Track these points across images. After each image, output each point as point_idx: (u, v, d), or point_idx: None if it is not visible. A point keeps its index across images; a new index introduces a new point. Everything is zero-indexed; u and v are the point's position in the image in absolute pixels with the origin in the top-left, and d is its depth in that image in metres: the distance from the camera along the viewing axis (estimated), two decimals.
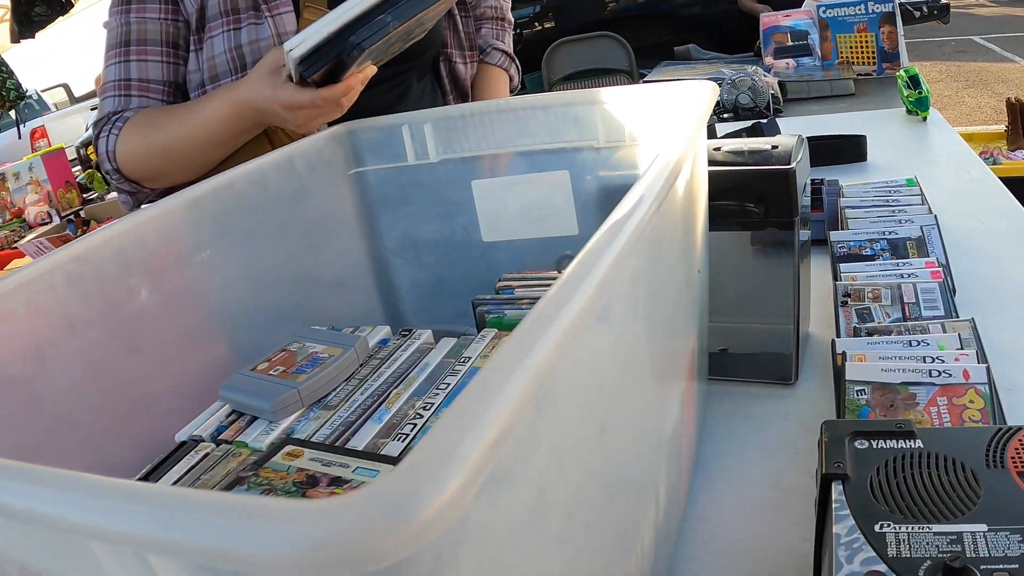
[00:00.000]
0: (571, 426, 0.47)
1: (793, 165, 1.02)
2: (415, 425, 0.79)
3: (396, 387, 0.86)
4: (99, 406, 0.85)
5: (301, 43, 1.13)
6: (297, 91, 1.20)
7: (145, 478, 0.82)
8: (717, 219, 1.03)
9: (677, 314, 0.83)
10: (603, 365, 0.53)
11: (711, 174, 1.00)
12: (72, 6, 6.54)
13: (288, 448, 0.73)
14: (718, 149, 1.07)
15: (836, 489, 0.70)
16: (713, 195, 1.01)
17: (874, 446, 0.73)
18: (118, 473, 0.83)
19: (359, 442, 0.78)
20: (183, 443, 0.86)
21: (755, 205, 1.04)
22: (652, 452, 0.73)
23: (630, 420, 0.64)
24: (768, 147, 1.05)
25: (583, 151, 1.09)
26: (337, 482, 0.67)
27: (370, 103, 1.32)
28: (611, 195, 1.09)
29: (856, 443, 0.74)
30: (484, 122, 1.13)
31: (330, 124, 1.22)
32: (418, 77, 1.66)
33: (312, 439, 0.80)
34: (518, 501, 0.39)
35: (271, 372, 0.89)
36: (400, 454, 0.75)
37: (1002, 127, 4.26)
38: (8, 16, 6.52)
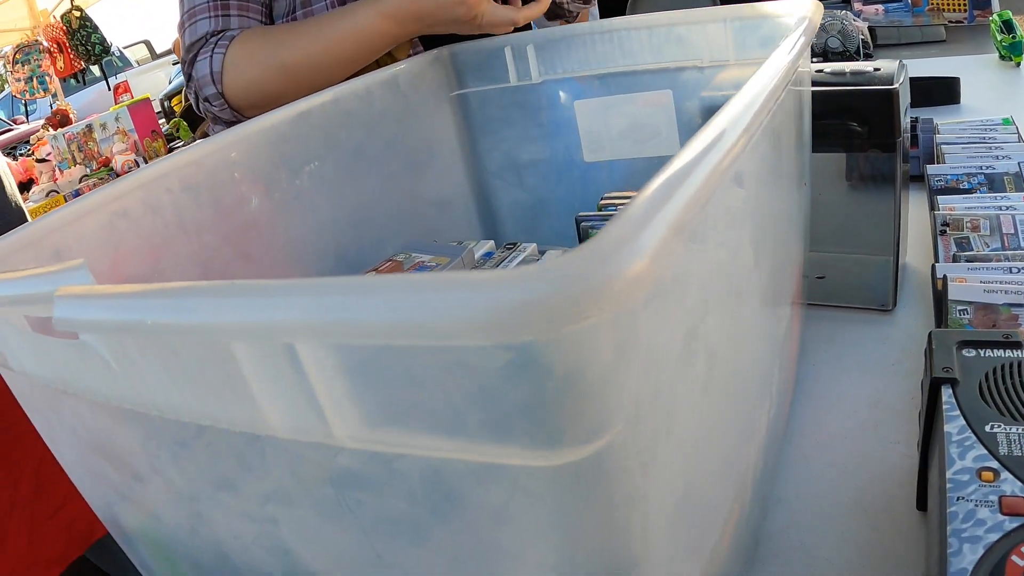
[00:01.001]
0: (714, 278, 0.48)
1: (896, 85, 1.01)
2: None
3: None
4: None
5: None
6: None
7: None
8: (819, 140, 1.03)
9: (790, 217, 0.83)
10: (738, 229, 0.54)
11: (814, 94, 1.00)
12: None
13: None
14: (820, 71, 1.07)
15: (945, 392, 0.70)
16: (815, 115, 1.00)
17: (982, 355, 0.74)
18: None
19: None
20: None
21: (857, 125, 1.04)
22: (770, 346, 0.74)
23: (756, 302, 0.65)
24: (870, 69, 1.05)
25: (686, 71, 1.09)
26: None
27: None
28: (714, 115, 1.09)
29: (964, 351, 0.74)
30: (586, 43, 1.13)
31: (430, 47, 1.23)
32: None
33: None
34: (674, 330, 0.40)
35: None
36: None
37: None
38: None
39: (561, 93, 1.16)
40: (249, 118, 1.35)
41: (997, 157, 1.36)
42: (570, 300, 0.28)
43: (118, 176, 4.30)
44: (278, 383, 0.36)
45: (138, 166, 4.31)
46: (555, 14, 1.66)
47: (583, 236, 1.00)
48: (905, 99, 1.07)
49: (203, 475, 0.50)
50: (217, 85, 1.33)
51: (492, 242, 1.00)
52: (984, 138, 1.48)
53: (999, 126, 1.54)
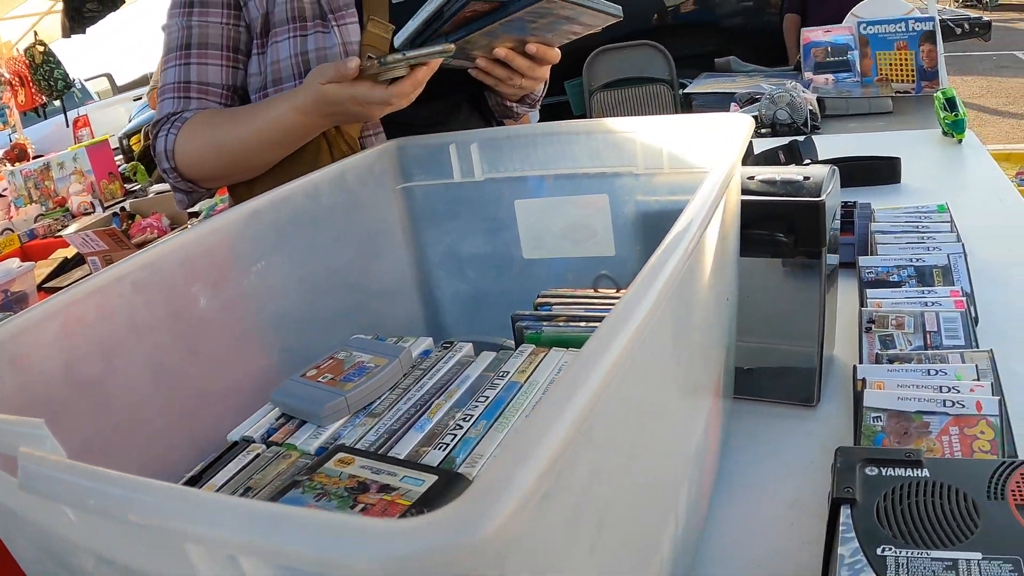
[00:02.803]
0: (605, 450, 0.52)
1: (823, 197, 1.05)
2: (455, 436, 0.84)
3: (437, 398, 0.92)
4: (160, 405, 0.91)
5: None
6: (371, 87, 1.24)
7: (199, 476, 0.87)
8: (748, 246, 1.07)
9: (706, 337, 0.87)
10: (636, 392, 0.58)
11: (744, 203, 1.04)
12: (123, 2, 6.63)
13: (340, 455, 0.78)
14: (752, 178, 1.10)
15: (844, 513, 0.74)
16: (745, 223, 1.04)
17: (883, 473, 0.78)
18: (177, 469, 0.89)
19: (402, 449, 0.83)
20: (235, 443, 0.91)
21: (785, 235, 1.07)
22: (676, 469, 0.78)
23: (657, 439, 0.69)
24: (800, 178, 1.08)
25: (623, 176, 1.14)
26: (386, 489, 0.72)
27: (419, 113, 1.38)
28: (648, 219, 1.15)
29: (867, 469, 0.78)
30: (528, 144, 1.18)
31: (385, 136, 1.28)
32: (468, 99, 1.71)
33: (358, 445, 0.85)
34: (557, 516, 0.44)
35: (320, 379, 0.95)
36: (440, 463, 0.80)
37: None
38: (60, 8, 6.63)
39: (503, 191, 1.21)
40: (205, 188, 1.51)
41: (928, 249, 1.41)
42: (442, 560, 0.33)
43: (74, 217, 4.30)
44: (222, 569, 0.40)
45: (94, 208, 4.31)
46: (503, 114, 1.72)
47: (518, 336, 1.04)
48: (834, 205, 1.11)
49: None
50: (170, 161, 1.49)
51: (430, 340, 1.04)
52: (918, 226, 1.53)
53: (934, 213, 1.59)
